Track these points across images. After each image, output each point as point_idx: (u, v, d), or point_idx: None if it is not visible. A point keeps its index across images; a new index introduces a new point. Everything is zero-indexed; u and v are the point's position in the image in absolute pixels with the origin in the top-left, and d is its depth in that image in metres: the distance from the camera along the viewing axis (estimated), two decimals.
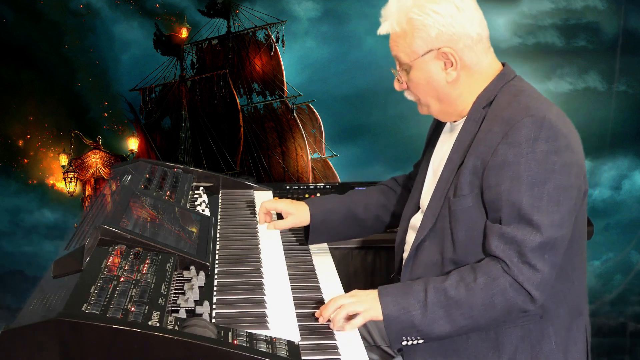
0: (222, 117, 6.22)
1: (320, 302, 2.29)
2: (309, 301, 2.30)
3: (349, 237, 2.83)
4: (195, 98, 6.24)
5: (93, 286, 1.80)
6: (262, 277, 2.26)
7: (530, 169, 2.11)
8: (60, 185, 6.03)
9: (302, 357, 1.80)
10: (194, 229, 2.41)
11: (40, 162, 5.95)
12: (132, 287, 1.85)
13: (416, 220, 2.42)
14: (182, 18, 6.06)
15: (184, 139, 6.20)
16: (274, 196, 3.19)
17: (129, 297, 1.79)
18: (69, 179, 6.03)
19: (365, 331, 2.48)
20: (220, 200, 2.96)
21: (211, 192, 3.03)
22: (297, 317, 2.09)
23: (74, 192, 6.06)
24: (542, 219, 2.10)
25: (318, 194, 3.61)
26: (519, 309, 2.15)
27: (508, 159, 2.13)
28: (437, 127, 2.51)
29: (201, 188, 3.02)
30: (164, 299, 1.83)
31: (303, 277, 2.49)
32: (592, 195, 5.87)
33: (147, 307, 1.75)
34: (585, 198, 2.25)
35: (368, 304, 2.16)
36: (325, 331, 2.13)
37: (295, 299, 2.20)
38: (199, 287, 2.06)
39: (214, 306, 2.04)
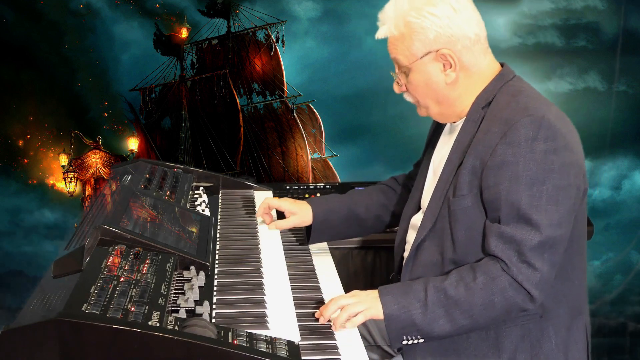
0: (222, 117, 6.22)
1: (320, 302, 2.29)
2: (309, 301, 2.30)
3: (349, 237, 2.84)
4: (195, 98, 6.24)
5: (93, 286, 1.80)
6: (262, 277, 2.26)
7: (529, 169, 2.11)
8: (60, 185, 6.03)
9: (302, 357, 1.80)
10: (194, 229, 2.41)
11: (40, 162, 5.95)
12: (132, 287, 1.85)
13: (416, 220, 2.42)
14: (182, 18, 6.06)
15: (184, 139, 6.20)
16: (274, 196, 3.19)
17: (129, 297, 1.79)
18: (69, 179, 6.03)
19: (365, 330, 2.48)
20: (220, 200, 2.96)
21: (211, 192, 3.03)
22: (297, 317, 2.09)
23: (74, 192, 6.06)
24: (541, 218, 2.11)
25: (318, 194, 3.61)
26: (518, 308, 2.15)
27: (507, 158, 2.13)
28: (438, 128, 2.51)
29: (201, 188, 3.02)
30: (164, 299, 1.83)
31: (303, 277, 2.49)
32: (592, 195, 5.87)
33: (147, 307, 1.75)
34: (584, 197, 2.25)
35: (368, 303, 2.17)
36: (325, 331, 2.14)
37: (295, 299, 2.20)
38: (199, 287, 2.06)
39: (214, 306, 2.04)
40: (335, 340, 2.09)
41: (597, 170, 5.82)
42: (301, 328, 2.06)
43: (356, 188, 3.53)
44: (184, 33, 6.10)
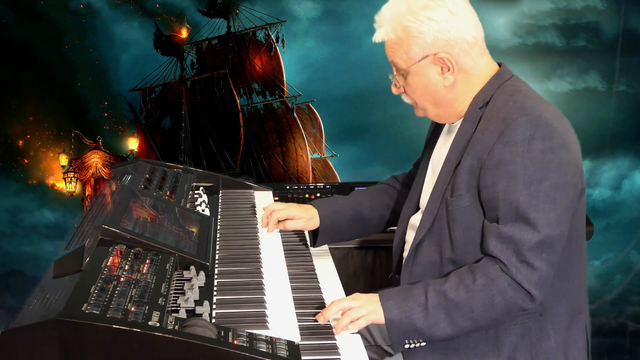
0: (222, 117, 6.22)
1: (320, 302, 2.29)
2: (309, 301, 2.30)
3: (353, 238, 2.84)
4: (195, 98, 6.24)
5: (93, 286, 1.80)
6: (262, 277, 2.26)
7: (527, 168, 2.12)
8: (60, 185, 6.03)
9: (302, 357, 1.80)
10: (194, 229, 2.41)
11: (40, 162, 5.95)
12: (132, 287, 1.84)
13: (415, 219, 2.42)
14: (182, 18, 6.06)
15: (184, 139, 6.20)
16: (274, 196, 3.19)
17: (129, 297, 1.79)
18: (69, 179, 6.03)
19: (365, 330, 2.48)
20: (220, 200, 2.96)
21: (211, 192, 3.02)
22: (297, 317, 2.10)
23: (74, 192, 6.06)
24: (539, 217, 2.11)
25: (318, 194, 3.61)
26: (518, 308, 2.15)
27: (504, 158, 2.13)
28: (436, 128, 2.51)
29: (201, 188, 3.02)
30: (164, 299, 1.83)
31: (303, 277, 2.49)
32: (592, 195, 5.87)
33: (147, 307, 1.75)
34: (582, 196, 2.26)
35: (370, 307, 2.17)
36: (325, 331, 2.14)
37: (295, 299, 2.20)
38: (199, 287, 2.06)
39: (214, 306, 2.04)
40: (335, 340, 2.09)
41: (597, 170, 5.82)
42: (301, 328, 2.06)
43: (356, 188, 3.54)
44: (184, 33, 6.10)
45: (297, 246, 2.74)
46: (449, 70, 2.25)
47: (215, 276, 2.23)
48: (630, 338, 5.57)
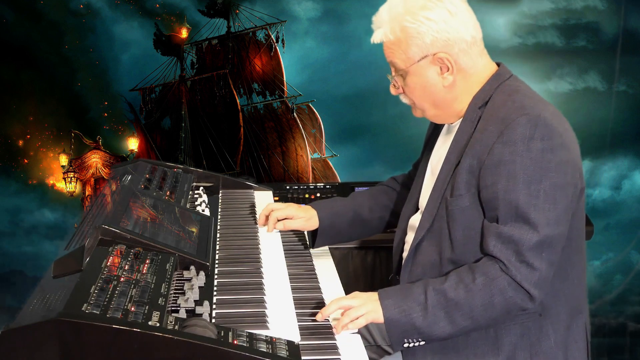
0: (222, 117, 6.22)
1: (320, 302, 2.29)
2: (309, 301, 2.30)
3: (353, 239, 2.84)
4: (195, 98, 6.24)
5: (93, 286, 1.80)
6: (262, 277, 2.26)
7: (526, 168, 2.12)
8: (60, 185, 6.03)
9: (302, 357, 1.80)
10: (194, 229, 2.41)
11: (40, 162, 5.95)
12: (132, 287, 1.84)
13: (415, 220, 2.42)
14: (182, 18, 6.06)
15: (184, 139, 6.20)
16: (274, 196, 3.19)
17: (129, 297, 1.79)
18: (69, 179, 6.03)
19: (365, 330, 2.48)
20: (220, 200, 2.96)
21: (211, 192, 3.03)
22: (297, 317, 2.10)
23: (74, 192, 6.06)
24: (538, 217, 2.11)
25: (318, 194, 3.61)
26: (518, 308, 2.15)
27: (504, 157, 2.14)
28: (436, 128, 2.51)
29: (201, 188, 3.02)
30: (164, 299, 1.83)
31: (303, 277, 2.49)
32: (592, 195, 5.87)
33: (147, 307, 1.75)
34: (582, 196, 2.26)
35: (369, 306, 2.17)
36: (325, 331, 2.14)
37: (295, 299, 2.20)
38: (199, 287, 2.06)
39: (214, 306, 2.04)
40: (335, 340, 2.09)
41: (597, 170, 5.82)
42: (301, 328, 2.06)
43: (356, 188, 3.54)
44: (184, 33, 6.10)
45: (297, 246, 2.74)
46: (448, 70, 2.25)
47: (215, 276, 2.23)
48: (630, 338, 5.57)
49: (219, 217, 2.77)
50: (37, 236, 5.96)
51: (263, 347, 1.72)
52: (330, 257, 2.77)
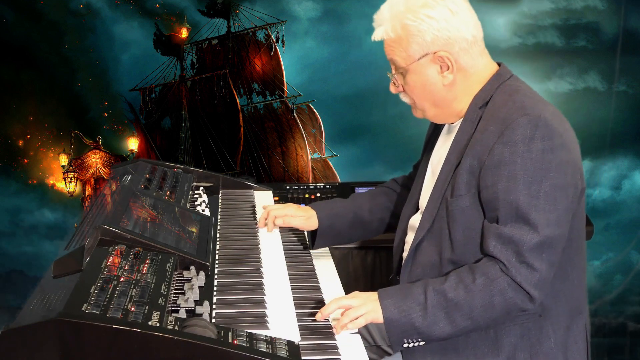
0: (222, 117, 6.22)
1: (320, 302, 2.29)
2: (309, 301, 2.30)
3: (353, 241, 2.83)
4: (195, 98, 6.24)
5: (93, 286, 1.80)
6: (262, 277, 2.26)
7: (527, 168, 2.12)
8: (60, 185, 6.03)
9: (302, 357, 1.80)
10: (194, 229, 2.41)
11: (40, 162, 5.95)
12: (132, 287, 1.84)
13: (415, 220, 2.42)
14: (182, 18, 6.06)
15: (184, 139, 6.20)
16: (274, 196, 3.19)
17: (129, 297, 1.79)
18: (69, 179, 6.03)
19: (365, 331, 2.48)
20: (220, 200, 2.96)
21: (211, 192, 3.03)
22: (297, 317, 2.09)
23: (74, 192, 6.06)
24: (539, 217, 2.11)
25: (318, 194, 3.61)
26: (518, 309, 2.15)
27: (504, 158, 2.13)
28: (436, 129, 2.51)
29: (201, 188, 3.02)
30: (164, 299, 1.83)
31: (303, 277, 2.49)
32: (592, 195, 5.87)
33: (147, 307, 1.75)
34: (582, 196, 2.25)
35: (369, 306, 2.17)
36: (325, 331, 2.14)
37: (295, 299, 2.20)
38: (199, 287, 2.06)
39: (214, 306, 2.04)
40: (335, 340, 2.09)
41: (597, 170, 5.82)
42: (301, 328, 2.06)
43: (356, 188, 3.54)
44: (184, 33, 6.10)
45: (297, 246, 2.74)
46: (448, 69, 2.25)
47: (215, 276, 2.23)
48: (630, 338, 5.58)
49: (219, 217, 2.77)
50: (37, 236, 5.96)
51: (263, 347, 1.72)
52: (330, 257, 2.76)
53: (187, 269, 2.14)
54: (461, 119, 2.31)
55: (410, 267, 2.35)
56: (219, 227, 2.66)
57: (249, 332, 1.77)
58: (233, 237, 2.59)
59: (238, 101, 6.23)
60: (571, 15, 5.73)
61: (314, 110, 6.08)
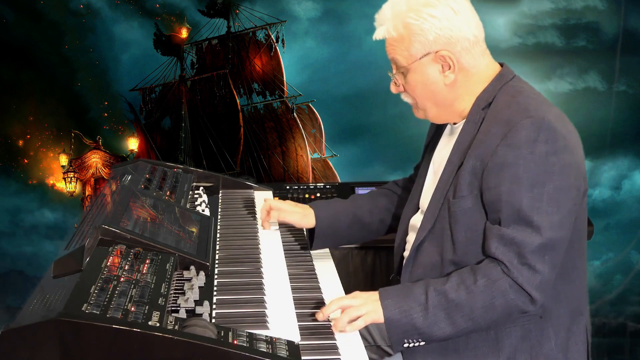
0: (222, 117, 6.22)
1: (320, 302, 2.29)
2: (309, 301, 2.30)
3: (352, 242, 2.83)
4: (195, 98, 6.24)
5: (93, 286, 1.80)
6: (262, 277, 2.26)
7: (530, 170, 2.11)
8: (60, 185, 6.03)
9: (302, 357, 1.80)
10: (194, 229, 2.41)
11: (40, 162, 5.95)
12: (132, 287, 1.84)
13: (416, 220, 2.42)
14: (182, 18, 6.06)
15: (184, 139, 6.20)
16: (274, 196, 3.19)
17: (129, 297, 1.79)
18: (69, 179, 6.03)
19: (365, 331, 2.48)
20: (220, 200, 2.96)
21: (211, 192, 3.02)
22: (297, 317, 2.09)
23: (74, 192, 6.06)
24: (541, 220, 2.10)
25: (318, 194, 3.61)
26: (519, 311, 2.15)
27: (507, 160, 2.13)
28: (437, 130, 2.50)
29: (201, 188, 3.02)
30: (164, 299, 1.83)
31: (303, 277, 2.49)
32: (592, 195, 5.88)
33: (147, 307, 1.75)
34: (584, 198, 2.25)
35: (370, 306, 2.16)
36: (325, 331, 2.13)
37: (295, 299, 2.20)
38: (199, 287, 2.06)
39: (214, 306, 2.04)
40: (335, 340, 2.09)
41: (597, 170, 5.82)
42: (301, 328, 2.06)
43: (356, 188, 3.55)
44: (184, 33, 6.11)
45: (297, 246, 2.74)
46: (449, 68, 2.25)
47: (215, 276, 2.23)
48: (630, 338, 5.58)
49: (219, 217, 2.77)
50: (37, 236, 5.97)
51: (263, 347, 1.72)
52: (330, 257, 2.76)
53: (187, 269, 2.14)
54: (464, 120, 2.31)
55: (411, 268, 2.35)
56: (219, 227, 2.66)
57: (249, 332, 1.77)
58: (233, 237, 2.59)
59: (238, 101, 6.23)
60: (571, 15, 5.73)
61: (314, 110, 6.08)
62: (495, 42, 5.39)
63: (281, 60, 6.13)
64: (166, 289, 1.89)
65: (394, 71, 2.32)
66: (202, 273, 2.13)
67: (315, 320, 2.18)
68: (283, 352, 1.73)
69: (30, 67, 5.82)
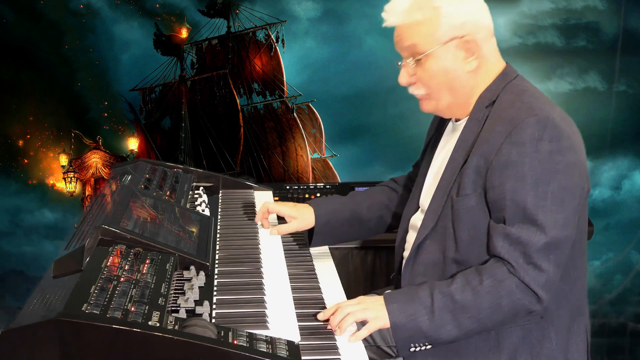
0: (222, 117, 6.22)
1: (320, 302, 2.29)
2: (309, 301, 2.30)
3: (352, 239, 2.81)
4: (195, 98, 6.24)
5: (93, 286, 1.80)
6: (262, 277, 2.26)
7: (535, 169, 2.11)
8: (60, 185, 6.03)
9: (302, 357, 1.80)
10: (194, 229, 2.41)
11: (40, 162, 5.95)
12: (132, 287, 1.84)
13: (416, 219, 2.42)
14: (182, 18, 6.06)
15: (184, 139, 6.20)
16: (274, 196, 3.19)
17: (129, 297, 1.79)
18: (69, 179, 6.03)
19: None
20: (220, 200, 2.96)
21: (211, 192, 3.02)
22: (297, 317, 2.09)
23: (74, 192, 6.06)
24: (546, 219, 2.10)
25: (318, 194, 3.61)
26: (525, 310, 2.14)
27: (512, 158, 2.12)
28: (439, 128, 2.50)
29: (201, 188, 3.02)
30: (164, 299, 1.83)
31: (303, 277, 2.49)
32: (592, 195, 5.87)
33: (147, 307, 1.75)
34: (586, 198, 2.25)
35: (375, 312, 2.16)
36: (325, 331, 2.14)
37: (295, 299, 2.20)
38: (199, 287, 2.06)
39: (214, 306, 2.04)
40: (335, 340, 2.09)
41: (597, 170, 5.82)
42: (301, 328, 2.06)
43: (356, 188, 3.54)
44: (184, 33, 6.10)
45: (297, 246, 2.74)
46: (472, 55, 2.23)
47: (215, 276, 2.23)
48: (630, 338, 5.57)
49: (219, 217, 2.77)
50: (37, 236, 5.96)
51: (263, 347, 1.72)
52: (330, 257, 2.76)
53: (187, 269, 2.14)
54: (466, 118, 2.30)
55: (412, 266, 2.34)
56: (219, 227, 2.66)
57: (249, 332, 1.77)
58: (233, 237, 2.59)
59: (238, 101, 6.23)
60: (571, 15, 5.73)
61: (314, 110, 6.08)
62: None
63: (281, 60, 6.12)
64: (166, 289, 1.89)
65: (407, 60, 2.28)
66: (202, 273, 2.13)
67: (316, 320, 2.18)
68: (283, 352, 1.73)
69: (30, 67, 5.81)
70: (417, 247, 2.33)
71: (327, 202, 2.71)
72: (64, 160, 6.00)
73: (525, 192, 2.11)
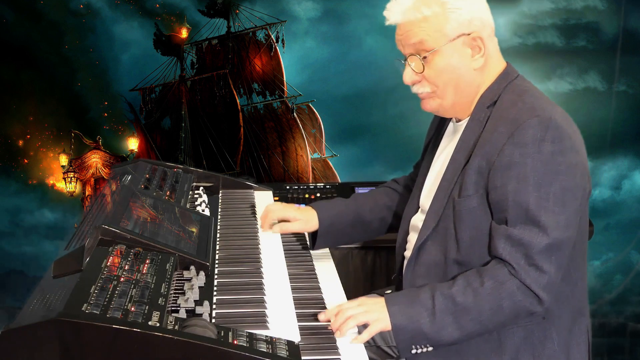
0: (222, 117, 6.22)
1: (320, 302, 2.29)
2: (309, 301, 2.30)
3: (354, 241, 2.81)
4: (195, 98, 6.24)
5: (93, 286, 1.80)
6: (262, 277, 2.26)
7: (537, 170, 2.10)
8: (60, 185, 6.03)
9: (302, 357, 1.80)
10: (194, 229, 2.41)
11: (40, 162, 5.95)
12: (132, 287, 1.84)
13: (417, 220, 2.41)
14: (182, 18, 6.06)
15: (184, 139, 6.20)
16: (274, 196, 3.19)
17: (129, 297, 1.79)
18: (69, 179, 6.03)
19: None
20: (220, 200, 2.96)
21: (211, 192, 3.02)
22: (297, 317, 2.09)
23: (74, 192, 6.06)
24: (548, 220, 2.09)
25: (318, 194, 3.61)
26: (527, 312, 2.14)
27: (514, 159, 2.12)
28: (439, 128, 2.49)
29: (201, 188, 3.02)
30: (164, 299, 1.83)
31: (303, 277, 2.49)
32: (592, 195, 5.86)
33: (147, 307, 1.75)
34: (588, 199, 2.25)
35: (376, 314, 2.15)
36: (326, 331, 2.13)
37: (295, 299, 2.20)
38: (199, 287, 2.06)
39: (214, 306, 2.04)
40: (335, 340, 2.09)
41: (597, 170, 5.83)
42: (301, 328, 2.06)
43: (357, 188, 3.54)
44: (184, 33, 6.11)
45: (297, 246, 2.74)
46: (479, 52, 2.23)
47: (215, 276, 2.23)
48: (630, 338, 5.58)
49: (219, 217, 2.77)
50: (37, 236, 5.97)
51: (263, 347, 1.72)
52: (331, 257, 2.76)
53: (187, 269, 2.14)
54: (467, 118, 2.30)
55: (414, 267, 2.34)
56: (219, 227, 2.66)
57: (249, 332, 1.77)
58: (233, 237, 2.59)
59: (238, 101, 6.23)
60: (571, 15, 5.73)
61: (314, 110, 6.08)
62: None
63: (281, 60, 6.12)
64: (166, 289, 1.89)
65: (411, 58, 2.26)
66: (202, 273, 2.13)
67: (316, 320, 2.18)
68: (283, 352, 1.73)
69: (30, 67, 5.82)
70: (419, 248, 2.32)
71: (330, 205, 2.71)
72: (64, 160, 6.00)
73: (528, 193, 2.10)
